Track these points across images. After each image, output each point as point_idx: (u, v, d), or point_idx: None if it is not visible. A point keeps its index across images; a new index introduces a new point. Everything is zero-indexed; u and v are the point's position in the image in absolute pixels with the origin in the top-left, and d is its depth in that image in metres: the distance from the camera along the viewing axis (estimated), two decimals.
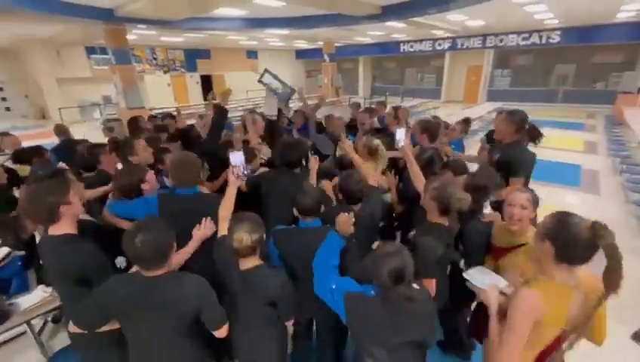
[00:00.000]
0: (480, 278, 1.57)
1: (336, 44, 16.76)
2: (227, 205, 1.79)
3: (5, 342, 2.58)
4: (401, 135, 2.14)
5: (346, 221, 1.57)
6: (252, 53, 19.70)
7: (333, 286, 1.42)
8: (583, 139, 8.78)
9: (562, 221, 1.19)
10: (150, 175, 2.09)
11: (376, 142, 2.87)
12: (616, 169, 6.24)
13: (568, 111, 13.20)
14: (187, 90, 17.52)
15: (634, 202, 4.39)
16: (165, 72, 16.49)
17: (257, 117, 3.66)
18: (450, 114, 10.96)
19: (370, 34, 14.31)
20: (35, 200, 1.43)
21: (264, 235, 1.54)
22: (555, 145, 7.47)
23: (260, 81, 3.73)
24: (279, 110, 3.88)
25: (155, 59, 15.98)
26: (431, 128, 2.89)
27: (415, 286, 1.33)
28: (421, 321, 1.36)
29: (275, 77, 3.71)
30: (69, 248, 1.44)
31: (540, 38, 13.25)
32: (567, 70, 14.25)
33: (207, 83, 18.24)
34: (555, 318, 1.19)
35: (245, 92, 18.15)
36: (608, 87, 13.29)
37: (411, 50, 17.24)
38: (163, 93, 16.04)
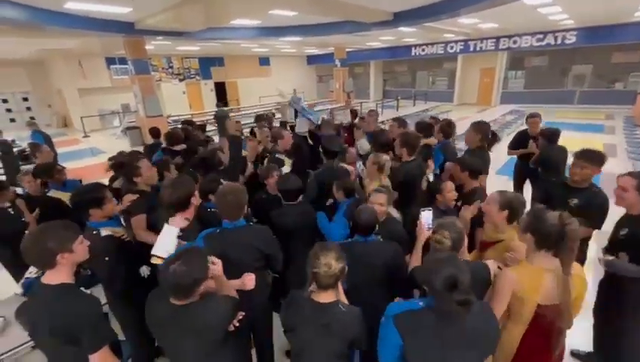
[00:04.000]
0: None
1: (347, 49, 16.87)
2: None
3: None
4: (427, 218, 1.96)
5: None
6: (264, 60, 20.01)
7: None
8: (602, 142, 8.58)
9: (538, 216, 1.48)
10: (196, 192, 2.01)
11: (385, 157, 2.79)
12: None
13: (585, 113, 12.92)
14: (202, 97, 17.91)
15: None
16: (181, 80, 16.92)
17: (285, 132, 3.77)
18: (463, 117, 10.88)
19: (382, 39, 14.36)
20: (33, 242, 1.34)
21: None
22: (573, 148, 7.26)
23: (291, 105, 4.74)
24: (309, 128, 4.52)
25: (171, 67, 16.43)
26: (410, 141, 2.86)
27: None
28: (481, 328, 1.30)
29: (303, 108, 4.74)
30: (62, 303, 1.35)
31: (555, 38, 13.03)
32: (584, 70, 13.98)
33: (220, 90, 18.64)
34: (528, 292, 1.46)
35: (258, 98, 18.49)
36: (627, 87, 12.96)
37: (423, 53, 17.22)
38: (179, 101, 16.47)
